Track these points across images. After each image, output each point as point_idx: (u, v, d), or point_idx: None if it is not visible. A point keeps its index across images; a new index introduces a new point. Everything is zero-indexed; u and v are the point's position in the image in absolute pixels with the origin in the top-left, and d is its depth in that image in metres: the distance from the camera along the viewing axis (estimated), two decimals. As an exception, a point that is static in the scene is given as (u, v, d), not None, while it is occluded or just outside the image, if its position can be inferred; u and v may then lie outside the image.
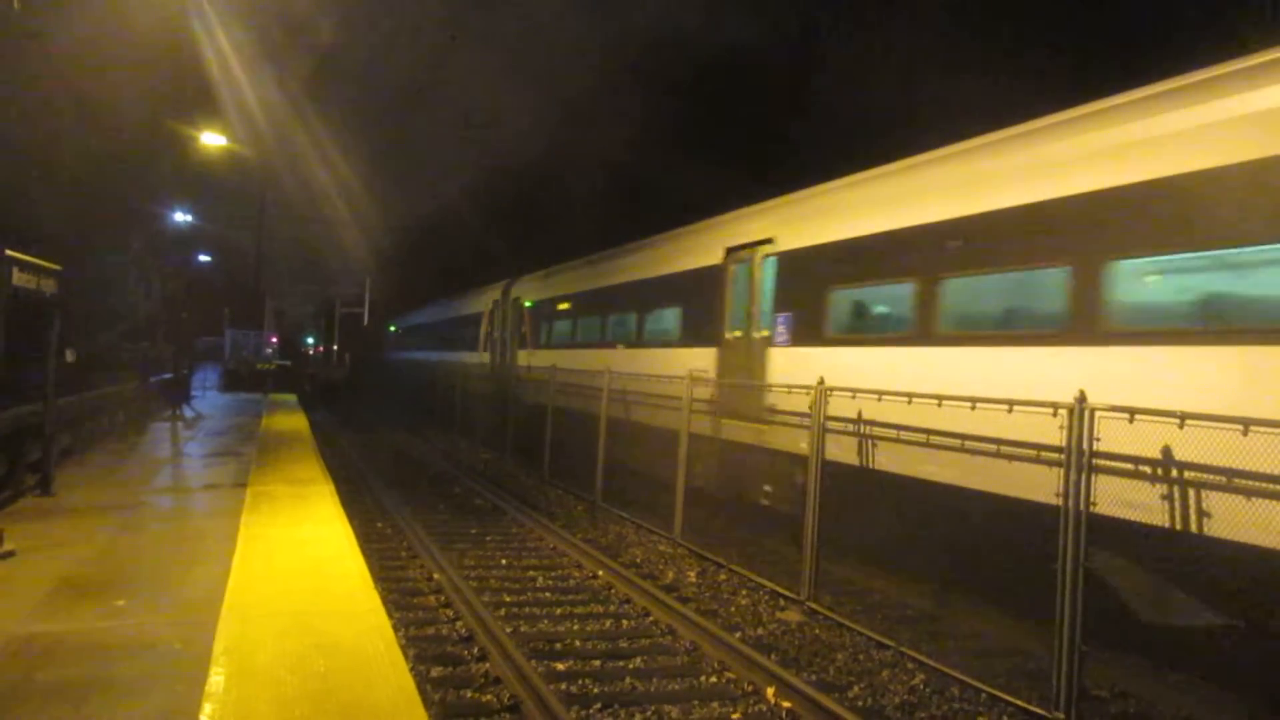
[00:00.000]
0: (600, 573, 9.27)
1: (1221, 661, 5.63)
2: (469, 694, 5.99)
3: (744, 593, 8.70)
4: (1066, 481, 5.63)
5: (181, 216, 29.59)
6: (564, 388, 15.60)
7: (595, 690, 6.12)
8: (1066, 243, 6.80)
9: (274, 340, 52.54)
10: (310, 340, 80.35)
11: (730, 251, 11.70)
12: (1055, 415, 5.77)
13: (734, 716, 5.78)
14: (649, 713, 5.75)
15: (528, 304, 20.86)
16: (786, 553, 9.38)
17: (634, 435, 13.01)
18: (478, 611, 7.52)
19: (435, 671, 6.35)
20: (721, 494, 10.89)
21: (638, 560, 10.03)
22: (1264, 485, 5.04)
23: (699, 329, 12.38)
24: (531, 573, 9.34)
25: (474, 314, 25.90)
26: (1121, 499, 5.78)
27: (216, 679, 4.46)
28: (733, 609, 8.20)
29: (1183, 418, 5.18)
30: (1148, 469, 5.75)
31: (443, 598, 8.23)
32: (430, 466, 17.84)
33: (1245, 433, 4.91)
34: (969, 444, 7.11)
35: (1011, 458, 6.71)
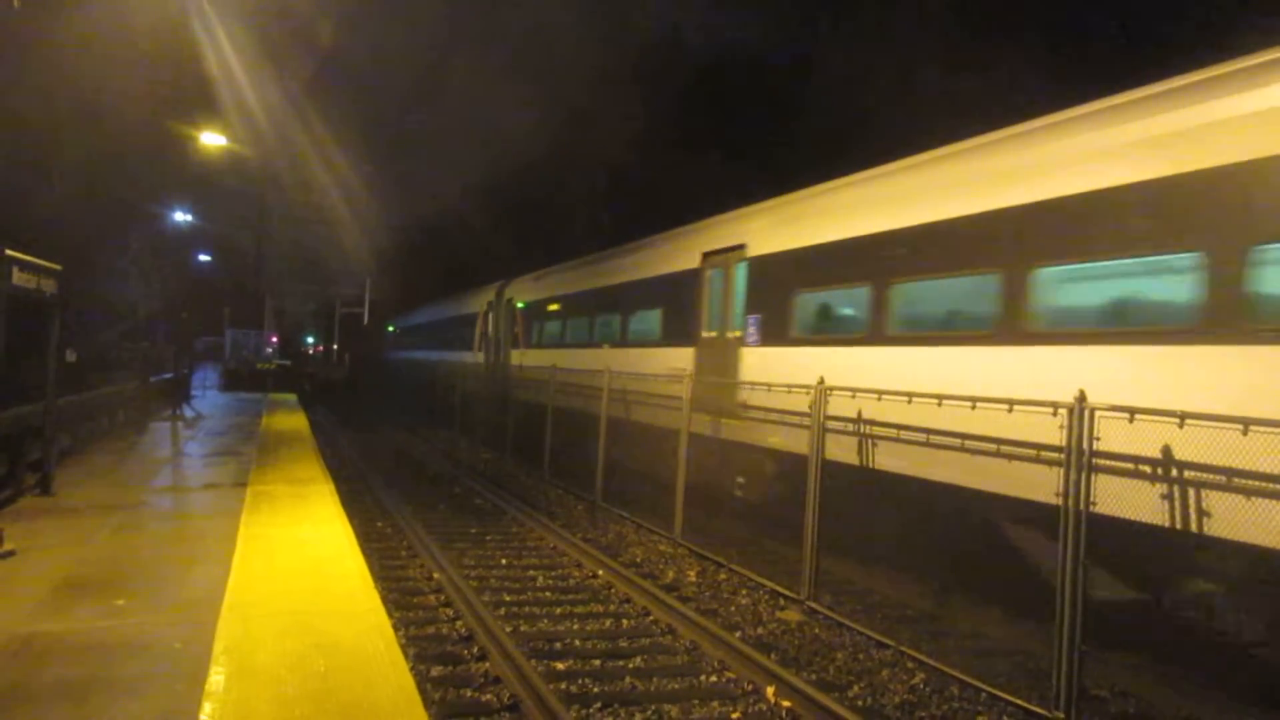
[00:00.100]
0: (600, 572, 9.27)
1: (1222, 661, 5.64)
2: (469, 693, 6.00)
3: (744, 592, 8.70)
4: (1066, 481, 5.63)
5: (182, 216, 29.59)
6: (560, 386, 15.87)
7: (595, 690, 6.12)
8: (994, 252, 7.42)
9: (274, 340, 52.55)
10: (310, 340, 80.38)
11: (707, 256, 12.26)
12: (1055, 415, 5.77)
13: (734, 716, 5.78)
14: (649, 712, 5.75)
15: (520, 305, 21.38)
16: (786, 552, 9.38)
17: (626, 432, 13.28)
18: (477, 611, 7.52)
19: (435, 671, 6.35)
20: (700, 486, 11.14)
21: (638, 560, 10.03)
22: (1253, 484, 5.05)
23: (679, 330, 12.92)
24: (531, 572, 9.35)
25: (470, 314, 26.38)
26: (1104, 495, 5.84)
27: (216, 678, 4.47)
28: (733, 608, 8.20)
29: (1182, 417, 5.19)
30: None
31: (443, 597, 8.23)
32: (430, 466, 17.84)
33: (1245, 432, 4.92)
34: (968, 443, 7.12)
35: (1009, 456, 6.78)
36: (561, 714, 5.52)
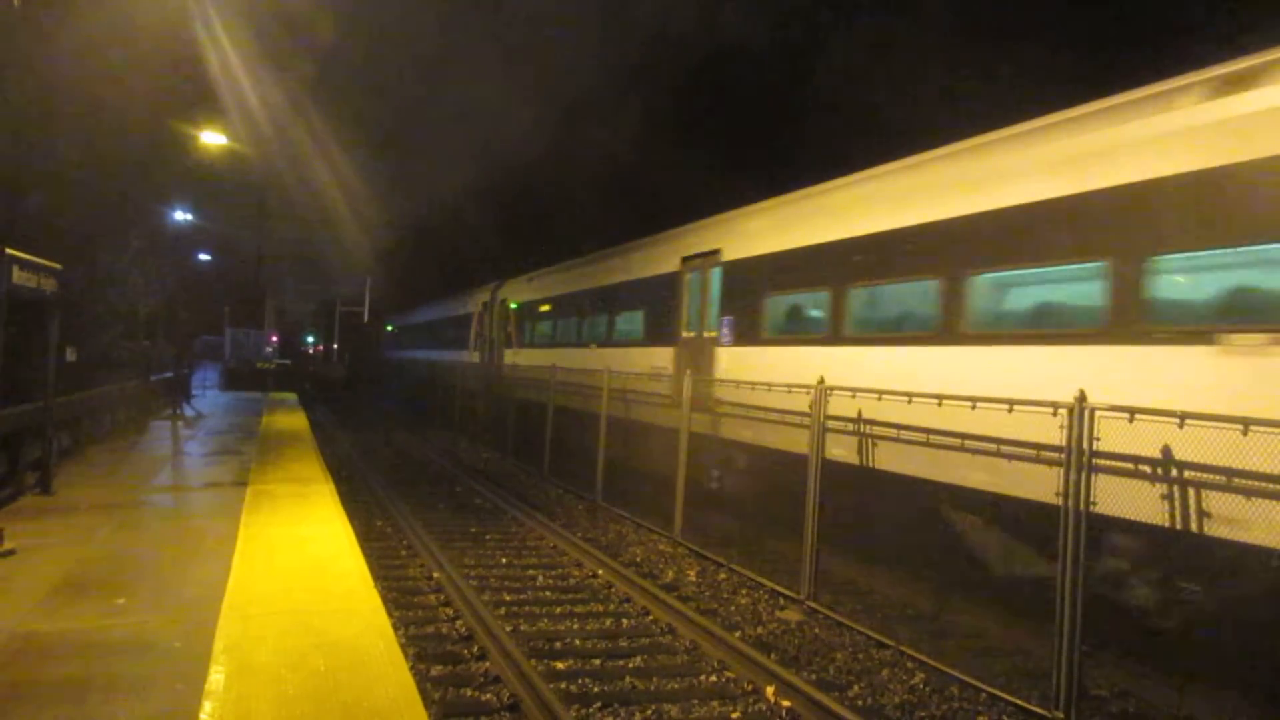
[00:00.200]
0: (600, 571, 9.27)
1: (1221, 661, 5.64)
2: (469, 693, 5.99)
3: (744, 592, 8.70)
4: (1066, 481, 5.63)
5: (182, 215, 29.58)
6: (553, 385, 16.39)
7: (595, 689, 6.12)
8: (935, 261, 7.96)
9: (274, 339, 52.55)
10: (310, 339, 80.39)
11: (686, 261, 12.92)
12: (1055, 415, 5.77)
13: (734, 715, 5.78)
14: (649, 712, 5.75)
15: (514, 306, 22.03)
16: (786, 552, 9.38)
17: (612, 427, 13.63)
18: (477, 610, 7.52)
19: (435, 670, 6.35)
20: (674, 477, 11.53)
21: (638, 559, 10.03)
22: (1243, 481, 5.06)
23: (660, 330, 13.58)
24: (531, 571, 9.35)
25: (466, 315, 26.97)
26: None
27: (216, 677, 4.47)
28: (732, 608, 8.20)
29: (1183, 417, 5.18)
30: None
31: (442, 596, 8.23)
32: (430, 465, 17.85)
33: (1245, 432, 4.91)
34: (968, 443, 7.13)
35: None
36: (561, 713, 5.52)
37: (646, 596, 8.25)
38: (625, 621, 7.75)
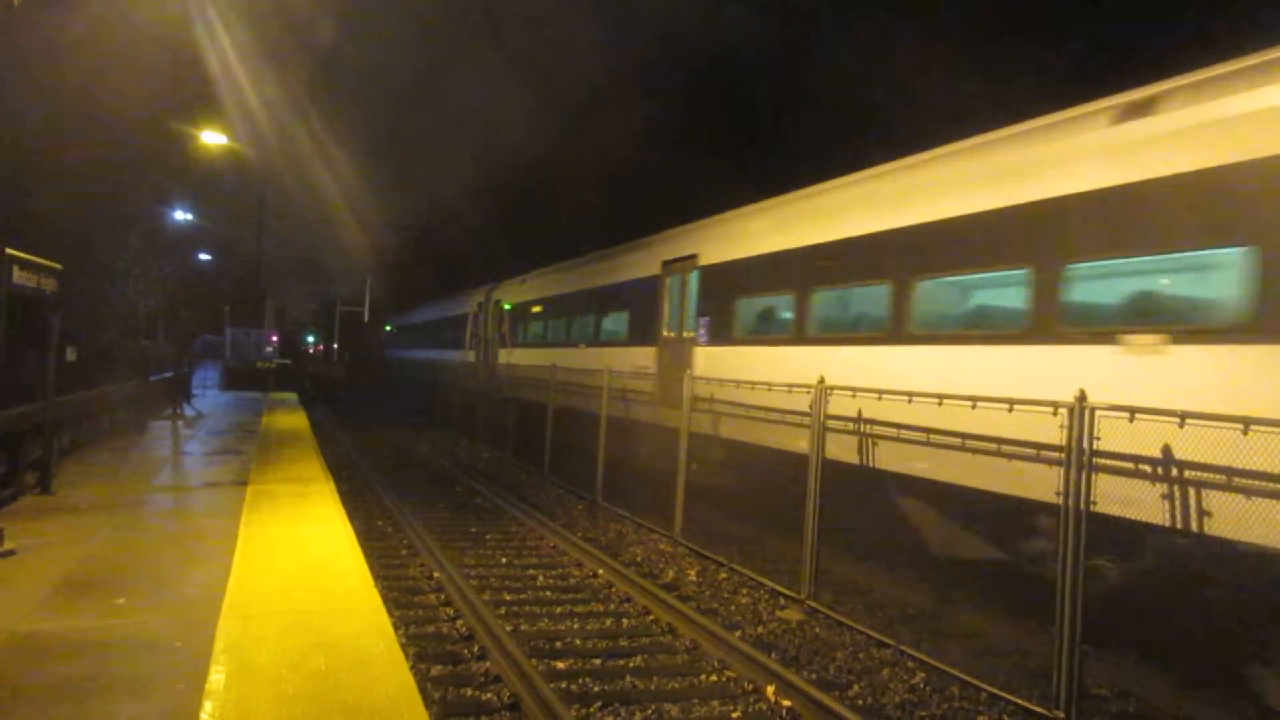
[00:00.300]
0: (600, 571, 9.27)
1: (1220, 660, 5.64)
2: (469, 692, 5.99)
3: (744, 591, 8.70)
4: (1066, 480, 5.63)
5: (182, 215, 29.58)
6: (538, 384, 17.07)
7: (595, 689, 6.12)
8: (885, 266, 8.61)
9: (274, 339, 52.51)
10: (310, 339, 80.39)
11: (666, 264, 13.58)
12: (1055, 414, 5.77)
13: (734, 715, 5.78)
14: (649, 711, 5.75)
15: (507, 307, 22.74)
16: (787, 551, 9.38)
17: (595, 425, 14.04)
18: (478, 610, 7.52)
19: (435, 670, 6.35)
20: (660, 472, 11.94)
21: (638, 559, 10.03)
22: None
23: (643, 330, 14.27)
24: (532, 571, 9.34)
25: (462, 315, 27.61)
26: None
27: (217, 677, 4.47)
28: (733, 607, 8.20)
29: (1183, 416, 5.18)
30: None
31: (443, 596, 8.23)
32: (430, 464, 17.85)
33: (1246, 431, 4.91)
34: (969, 442, 7.15)
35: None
36: (562, 713, 5.52)
37: (647, 596, 8.25)
38: (625, 621, 7.75)
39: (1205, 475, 5.37)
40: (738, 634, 7.24)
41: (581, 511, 12.88)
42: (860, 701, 6.08)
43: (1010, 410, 6.36)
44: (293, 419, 20.37)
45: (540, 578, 9.10)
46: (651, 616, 7.83)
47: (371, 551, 9.01)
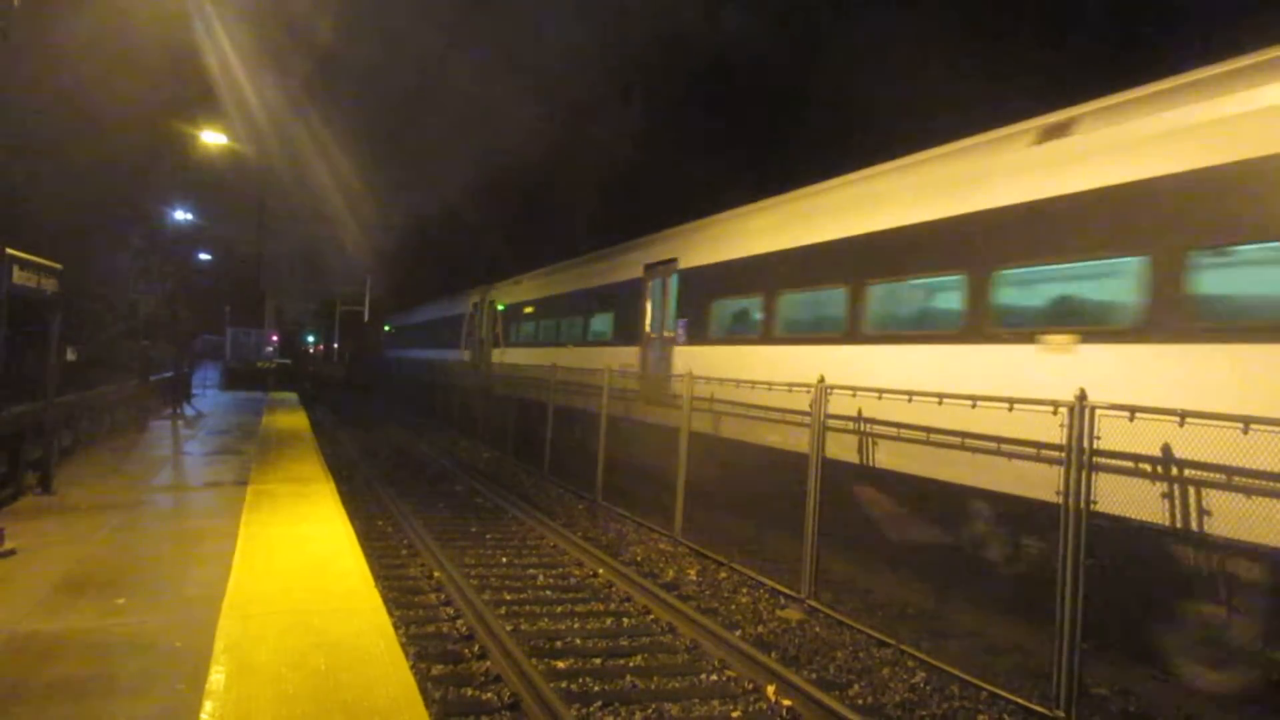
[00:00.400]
0: (600, 571, 9.27)
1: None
2: (469, 692, 5.99)
3: (744, 591, 8.70)
4: (1066, 479, 5.63)
5: (182, 215, 29.58)
6: (526, 383, 17.66)
7: (595, 688, 6.12)
8: (841, 271, 9.27)
9: (274, 338, 52.52)
10: (311, 339, 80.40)
11: (649, 268, 14.22)
12: (1056, 414, 5.77)
13: (734, 715, 5.78)
14: (649, 711, 5.75)
15: (500, 308, 23.37)
16: (787, 551, 9.38)
17: (585, 423, 14.60)
18: (478, 609, 7.52)
19: (436, 669, 6.35)
20: (642, 465, 12.57)
21: (638, 558, 10.03)
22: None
23: (627, 331, 14.88)
24: (532, 571, 9.35)
25: (459, 315, 28.15)
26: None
27: (217, 677, 4.47)
28: (733, 607, 8.20)
29: (1183, 416, 5.19)
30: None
31: (443, 595, 8.24)
32: (430, 464, 17.85)
33: (1246, 430, 4.91)
34: (968, 441, 7.16)
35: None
36: (562, 712, 5.52)
37: (647, 595, 8.25)
38: (626, 620, 7.75)
39: (1205, 474, 5.38)
40: (738, 633, 7.24)
41: (582, 511, 12.88)
42: (860, 701, 6.08)
43: (1010, 410, 6.37)
44: (293, 419, 20.38)
45: (540, 577, 9.10)
46: (652, 616, 7.83)
47: (372, 551, 9.01)
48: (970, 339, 7.49)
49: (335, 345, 69.15)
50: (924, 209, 8.20)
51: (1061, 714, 5.53)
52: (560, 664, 6.56)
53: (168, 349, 22.86)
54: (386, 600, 6.64)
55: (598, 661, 6.65)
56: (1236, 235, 5.65)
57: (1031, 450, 6.36)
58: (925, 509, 8.04)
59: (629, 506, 12.31)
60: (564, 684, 6.13)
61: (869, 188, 9.40)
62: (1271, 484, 4.94)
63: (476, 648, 6.81)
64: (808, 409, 8.30)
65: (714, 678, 6.41)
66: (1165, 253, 5.96)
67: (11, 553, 6.71)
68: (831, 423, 8.24)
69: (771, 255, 10.70)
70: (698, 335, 12.35)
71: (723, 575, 9.25)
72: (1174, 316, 5.88)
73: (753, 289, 11.09)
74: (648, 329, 14.10)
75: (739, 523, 10.75)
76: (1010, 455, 6.63)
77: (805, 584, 8.16)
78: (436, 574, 8.90)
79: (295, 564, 6.78)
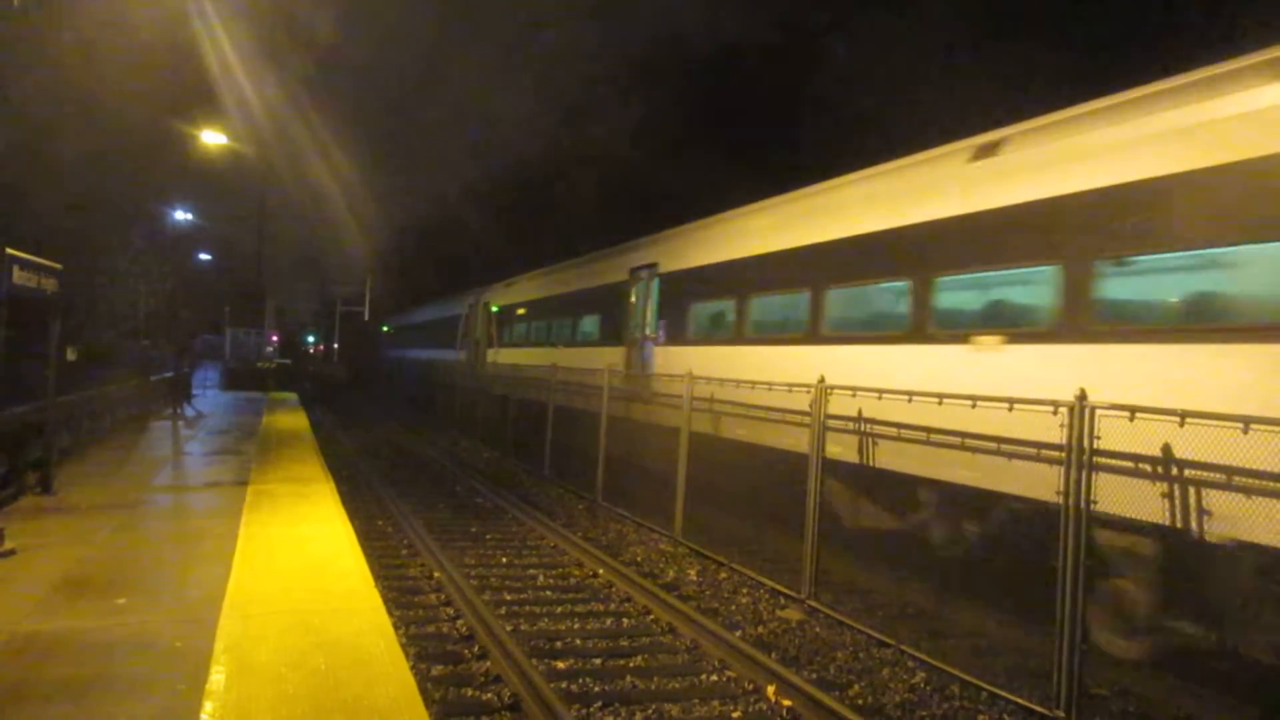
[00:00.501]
0: (600, 571, 9.27)
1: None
2: (469, 692, 5.99)
3: (744, 591, 8.70)
4: (1067, 479, 5.62)
5: (182, 215, 29.59)
6: (517, 383, 18.09)
7: (596, 689, 6.12)
8: (805, 276, 9.84)
9: (274, 339, 52.55)
10: (311, 339, 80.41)
11: (633, 271, 14.78)
12: (1056, 414, 5.77)
13: (734, 715, 5.78)
14: (649, 711, 5.75)
15: (494, 309, 23.94)
16: (787, 551, 9.38)
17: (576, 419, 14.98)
18: (478, 610, 7.52)
19: (436, 670, 6.34)
20: (630, 461, 12.95)
21: (638, 559, 10.03)
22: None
23: (613, 331, 15.49)
24: (532, 571, 9.35)
25: (455, 316, 28.77)
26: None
27: (217, 677, 4.47)
28: (733, 607, 8.20)
29: (1183, 415, 5.18)
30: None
31: (443, 596, 8.23)
32: (430, 464, 17.85)
33: (1246, 430, 4.91)
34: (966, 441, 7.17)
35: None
36: (562, 713, 5.52)
37: (647, 596, 8.25)
38: (626, 621, 7.75)
39: (1204, 474, 5.38)
40: (738, 634, 7.24)
41: (582, 511, 12.88)
42: (860, 701, 6.08)
43: (1010, 409, 6.36)
44: (293, 419, 20.37)
45: (540, 577, 9.10)
46: (652, 616, 7.83)
47: (372, 551, 9.01)
48: (914, 340, 8.11)
49: (335, 345, 69.16)
50: (874, 220, 8.82)
51: (1061, 714, 5.53)
52: (560, 664, 6.56)
53: (168, 349, 22.87)
54: (386, 600, 6.64)
55: (598, 662, 6.64)
56: (1127, 247, 6.27)
57: (1032, 450, 6.37)
58: (925, 509, 8.04)
59: (629, 506, 12.31)
60: (564, 684, 6.13)
61: (824, 200, 10.07)
62: (1271, 484, 4.94)
63: (476, 648, 6.81)
64: (808, 409, 8.30)
65: (714, 678, 6.41)
66: (1073, 262, 6.61)
67: (12, 553, 6.71)
68: (831, 423, 8.24)
69: (737, 262, 11.40)
70: (676, 336, 12.92)
71: (723, 575, 9.24)
72: (1083, 319, 6.48)
73: (723, 293, 11.72)
74: (632, 330, 14.63)
75: (739, 523, 10.76)
76: (1010, 455, 6.63)
77: (805, 584, 8.16)
78: (436, 574, 8.90)
79: (295, 564, 6.78)
